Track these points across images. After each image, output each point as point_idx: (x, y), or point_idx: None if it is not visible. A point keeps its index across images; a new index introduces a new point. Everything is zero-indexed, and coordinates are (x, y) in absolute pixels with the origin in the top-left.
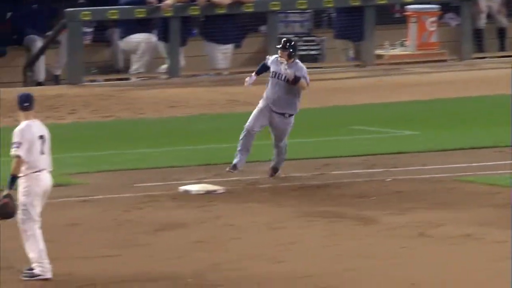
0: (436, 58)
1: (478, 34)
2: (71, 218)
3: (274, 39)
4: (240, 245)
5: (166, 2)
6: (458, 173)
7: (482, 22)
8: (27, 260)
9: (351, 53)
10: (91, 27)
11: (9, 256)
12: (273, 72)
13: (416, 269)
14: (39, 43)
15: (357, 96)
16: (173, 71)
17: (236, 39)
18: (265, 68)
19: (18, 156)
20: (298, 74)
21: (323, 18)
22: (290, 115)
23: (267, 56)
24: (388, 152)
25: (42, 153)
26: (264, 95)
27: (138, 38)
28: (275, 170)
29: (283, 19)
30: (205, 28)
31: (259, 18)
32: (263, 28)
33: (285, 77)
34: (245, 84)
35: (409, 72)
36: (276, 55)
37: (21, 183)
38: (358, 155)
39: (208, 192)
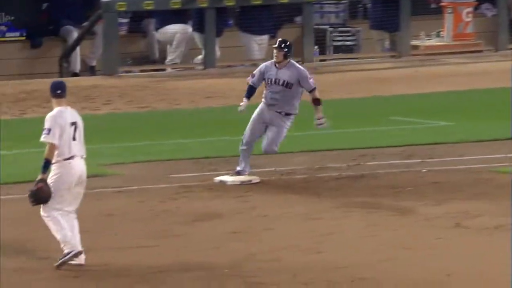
0: (472, 49)
1: None
2: (107, 208)
3: (309, 30)
4: (276, 235)
5: None
6: (495, 164)
7: None
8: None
9: (386, 43)
10: (127, 18)
11: (47, 246)
12: (269, 79)
13: (452, 260)
14: (75, 34)
15: (393, 87)
16: (208, 62)
17: (271, 30)
18: (253, 89)
19: (49, 143)
20: (305, 86)
21: (358, 8)
22: (287, 114)
23: (252, 74)
24: (424, 142)
25: (74, 139)
26: (265, 96)
27: (173, 29)
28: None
29: (318, 10)
30: (240, 19)
31: (295, 9)
32: (298, 19)
33: (284, 81)
34: (240, 110)
35: (445, 62)
36: (263, 64)
37: (53, 170)
38: (395, 146)
39: (244, 183)
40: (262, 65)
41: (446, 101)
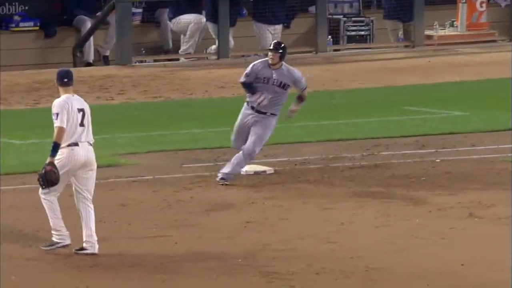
0: (485, 39)
1: None
2: (121, 198)
3: (323, 20)
4: (290, 225)
5: None
6: (508, 154)
7: None
8: (77, 239)
9: (400, 33)
10: (140, 8)
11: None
12: (265, 78)
13: (465, 250)
14: (88, 23)
15: (407, 77)
16: (222, 52)
17: (285, 20)
18: (252, 85)
19: (57, 127)
20: (298, 86)
21: None
22: (272, 114)
23: (244, 73)
24: (438, 132)
25: (81, 125)
26: (248, 98)
27: (187, 18)
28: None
29: None
30: (254, 9)
31: None
32: (312, 8)
33: (281, 82)
34: (263, 103)
35: (459, 52)
36: (255, 63)
37: (58, 154)
38: (408, 136)
39: (257, 173)
40: (255, 64)
41: (459, 91)
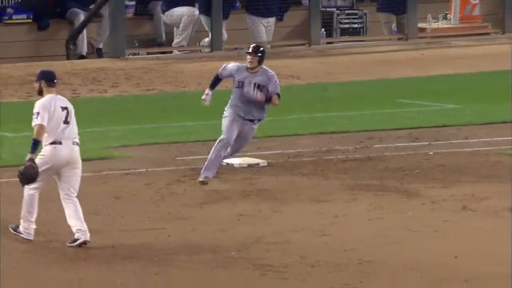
0: (478, 31)
1: None
2: (114, 191)
3: (316, 12)
4: (284, 218)
5: None
6: (502, 146)
7: None
8: (70, 232)
9: (393, 26)
10: (134, 1)
11: (57, 228)
12: (239, 82)
13: (459, 243)
14: (81, 16)
15: (400, 70)
16: (215, 45)
17: (278, 12)
18: (219, 81)
19: (37, 125)
20: (271, 88)
21: None
22: (259, 120)
23: (224, 65)
24: (431, 125)
25: (65, 122)
26: (230, 102)
27: (180, 11)
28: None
29: None
30: (247, 1)
31: None
32: (305, 1)
33: (258, 85)
34: (205, 103)
35: (452, 45)
36: (236, 63)
37: (42, 152)
38: (401, 129)
39: (251, 165)
40: (234, 65)
41: (452, 83)
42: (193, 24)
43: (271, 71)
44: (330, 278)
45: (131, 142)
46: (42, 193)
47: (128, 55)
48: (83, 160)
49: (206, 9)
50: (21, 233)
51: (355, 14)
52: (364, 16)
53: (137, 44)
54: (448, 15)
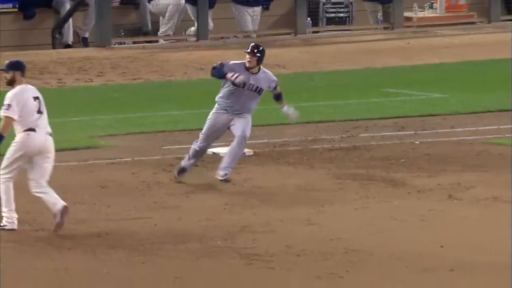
0: (464, 21)
1: None
2: (100, 180)
3: (302, 2)
4: (270, 207)
5: None
6: (487, 136)
7: None
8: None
9: (379, 15)
10: None
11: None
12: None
13: (445, 232)
14: (67, 5)
15: (386, 59)
16: (201, 34)
17: (264, 1)
18: (223, 72)
19: (7, 117)
20: (271, 85)
21: None
22: (247, 113)
23: (223, 63)
24: (417, 114)
25: (39, 112)
26: (225, 99)
27: (166, 0)
28: (226, 180)
29: None
30: None
31: None
32: None
33: (257, 87)
34: (241, 77)
35: (438, 34)
36: (235, 61)
37: (16, 139)
38: (387, 118)
39: None
40: (233, 64)
41: (438, 73)
42: (179, 13)
43: (271, 74)
44: (316, 267)
45: (117, 131)
46: (26, 183)
47: (114, 44)
48: (69, 149)
49: None
50: (5, 226)
51: (341, 3)
52: (350, 5)
53: (123, 33)
54: (434, 4)
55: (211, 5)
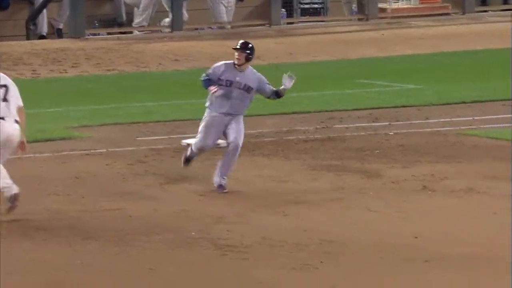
0: (439, 12)
1: None
2: (74, 171)
3: None
4: (245, 198)
5: None
6: (462, 127)
7: None
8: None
9: (354, 6)
10: None
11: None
12: (227, 80)
13: (419, 223)
14: None
15: (361, 50)
16: (176, 25)
17: None
18: (211, 82)
19: None
20: (268, 89)
21: None
22: (239, 114)
23: (210, 71)
24: (391, 105)
25: (4, 100)
26: (214, 104)
27: None
28: (221, 187)
29: None
30: None
31: None
32: None
33: (245, 85)
34: (217, 93)
35: (412, 25)
36: (223, 62)
37: None
38: (362, 109)
39: None
40: (216, 66)
41: (413, 64)
42: (154, 4)
43: (261, 75)
44: (291, 258)
45: (91, 123)
46: None
47: (88, 35)
48: (44, 140)
49: None
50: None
51: None
52: None
53: (97, 24)
54: None
55: None
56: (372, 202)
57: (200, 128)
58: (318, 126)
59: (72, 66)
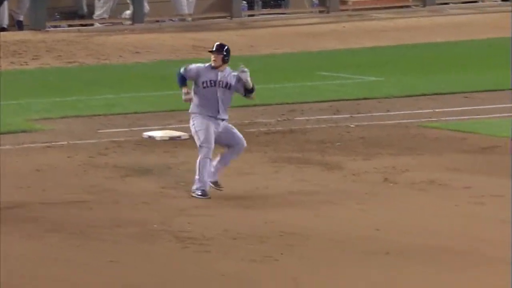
0: (400, 4)
1: None
2: (36, 164)
3: None
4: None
5: None
6: (423, 119)
7: None
8: None
9: None
10: None
11: None
12: (210, 81)
13: (380, 215)
14: None
15: (322, 42)
16: (137, 17)
17: None
18: (185, 79)
19: None
20: (249, 83)
21: None
22: (225, 120)
23: (185, 67)
24: (352, 98)
25: None
26: (199, 107)
27: None
28: (216, 184)
29: None
30: None
31: None
32: None
33: (226, 83)
34: (190, 101)
35: (374, 18)
36: (199, 64)
37: None
38: (323, 101)
39: (173, 138)
40: (199, 66)
41: (374, 56)
42: None
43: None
44: (252, 250)
45: (52, 115)
46: None
47: (49, 28)
48: (4, 133)
49: None
50: None
51: None
52: None
53: (58, 17)
54: None
55: None
56: (333, 194)
57: (195, 132)
58: (279, 119)
59: (33, 59)
